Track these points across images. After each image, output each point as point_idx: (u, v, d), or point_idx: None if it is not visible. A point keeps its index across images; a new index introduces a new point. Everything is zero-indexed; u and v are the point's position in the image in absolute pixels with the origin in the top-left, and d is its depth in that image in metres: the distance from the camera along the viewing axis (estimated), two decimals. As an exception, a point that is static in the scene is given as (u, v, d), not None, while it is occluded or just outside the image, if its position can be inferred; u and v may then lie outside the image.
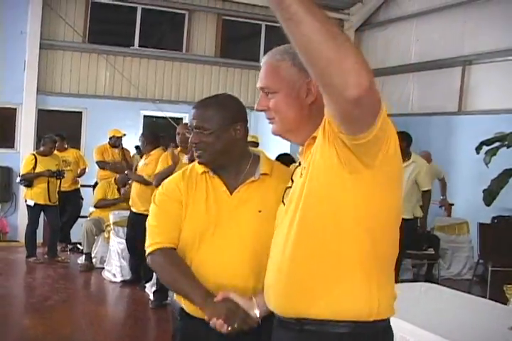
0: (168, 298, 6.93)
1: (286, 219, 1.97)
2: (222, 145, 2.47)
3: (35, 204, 8.93)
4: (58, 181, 9.07)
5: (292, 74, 2.00)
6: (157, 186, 6.99)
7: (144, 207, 7.48)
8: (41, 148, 9.11)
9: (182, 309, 2.58)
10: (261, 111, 2.08)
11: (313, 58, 1.49)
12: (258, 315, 2.26)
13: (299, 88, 1.99)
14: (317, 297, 1.87)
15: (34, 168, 8.89)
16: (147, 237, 2.55)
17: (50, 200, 8.95)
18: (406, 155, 7.62)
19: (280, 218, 2.05)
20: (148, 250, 2.53)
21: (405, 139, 7.66)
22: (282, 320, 1.99)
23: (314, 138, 1.89)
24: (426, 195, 7.90)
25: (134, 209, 7.65)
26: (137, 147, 9.96)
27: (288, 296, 1.95)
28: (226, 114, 2.47)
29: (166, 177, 6.96)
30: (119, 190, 9.01)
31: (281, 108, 2.02)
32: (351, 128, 1.64)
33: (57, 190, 9.14)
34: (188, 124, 2.60)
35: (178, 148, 6.99)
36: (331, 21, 1.47)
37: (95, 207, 9.13)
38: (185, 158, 6.70)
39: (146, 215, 7.15)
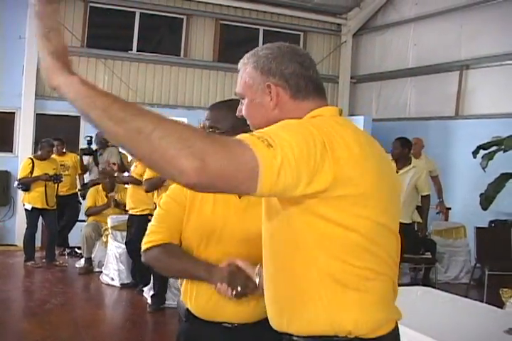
0: (167, 302, 6.96)
1: (264, 242, 1.99)
2: None
3: (33, 208, 8.95)
4: (56, 185, 9.09)
5: (255, 77, 1.91)
6: (148, 192, 7.04)
7: (138, 207, 7.52)
8: (38, 152, 9.13)
9: (188, 311, 2.59)
10: (240, 117, 2.02)
11: (131, 154, 1.48)
12: (258, 283, 2.25)
13: (262, 93, 1.89)
14: (292, 316, 1.88)
15: (31, 172, 8.91)
16: (145, 236, 2.57)
17: (47, 204, 8.96)
18: (407, 160, 7.66)
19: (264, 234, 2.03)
20: (143, 247, 2.54)
21: (406, 145, 7.71)
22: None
23: None
24: (425, 199, 7.93)
25: (130, 212, 7.69)
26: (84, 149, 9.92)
27: (272, 313, 1.98)
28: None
29: (158, 184, 6.91)
30: (107, 196, 9.03)
31: (248, 113, 1.96)
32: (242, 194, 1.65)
33: (55, 194, 9.16)
34: (201, 125, 2.63)
35: None
36: (131, 114, 1.42)
37: (86, 215, 9.19)
38: None
39: (141, 216, 7.15)
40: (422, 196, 7.79)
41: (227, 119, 2.49)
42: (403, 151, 7.68)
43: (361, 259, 1.79)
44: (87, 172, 10.08)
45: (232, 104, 2.55)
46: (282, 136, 1.55)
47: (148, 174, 6.95)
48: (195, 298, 2.52)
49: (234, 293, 2.25)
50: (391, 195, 1.88)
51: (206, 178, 1.41)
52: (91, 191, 9.26)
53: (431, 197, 8.69)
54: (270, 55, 1.90)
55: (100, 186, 9.12)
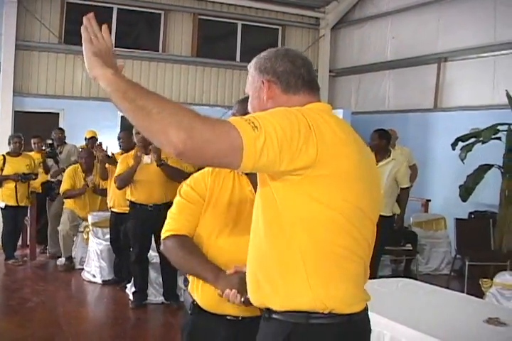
0: (149, 298, 6.96)
1: (253, 218, 2.17)
2: None
3: (6, 206, 8.89)
4: (27, 183, 9.00)
5: (255, 76, 2.16)
6: (120, 188, 7.01)
7: (120, 206, 7.48)
8: (10, 148, 9.01)
9: (193, 303, 2.63)
10: None
11: (137, 128, 1.82)
12: None
13: (259, 89, 2.14)
14: (273, 291, 2.04)
15: (2, 169, 8.84)
16: (165, 223, 2.66)
17: (17, 202, 8.88)
18: (386, 152, 7.67)
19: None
20: (163, 236, 2.63)
21: (384, 137, 7.71)
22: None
23: None
24: (405, 192, 7.94)
25: (114, 210, 7.65)
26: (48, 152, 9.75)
27: (254, 290, 2.14)
28: None
29: (128, 178, 6.87)
30: (85, 179, 8.76)
31: (251, 107, 2.20)
32: (229, 168, 1.93)
33: (28, 191, 9.08)
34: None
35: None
36: (142, 95, 1.77)
37: (64, 197, 8.92)
38: (145, 158, 6.73)
39: (125, 214, 7.00)
40: (401, 188, 7.81)
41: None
42: (381, 143, 7.68)
43: (342, 239, 1.97)
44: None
45: None
46: (269, 119, 1.80)
47: (118, 170, 6.94)
48: (201, 291, 2.57)
49: (243, 299, 2.30)
50: (370, 184, 2.06)
51: (190, 149, 1.68)
52: (68, 172, 8.84)
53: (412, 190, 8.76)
54: (267, 57, 2.17)
55: (79, 167, 8.80)
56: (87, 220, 8.43)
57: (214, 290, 2.43)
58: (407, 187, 7.89)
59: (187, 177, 7.17)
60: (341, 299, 1.99)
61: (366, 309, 2.12)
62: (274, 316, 2.05)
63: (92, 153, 8.71)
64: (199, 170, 2.79)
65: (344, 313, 2.00)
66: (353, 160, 1.95)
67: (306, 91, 2.13)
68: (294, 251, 1.96)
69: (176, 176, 6.65)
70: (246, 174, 2.58)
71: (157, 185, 6.72)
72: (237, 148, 1.72)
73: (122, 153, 7.56)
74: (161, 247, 2.66)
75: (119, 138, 8.05)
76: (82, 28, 2.05)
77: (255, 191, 2.47)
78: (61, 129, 10.29)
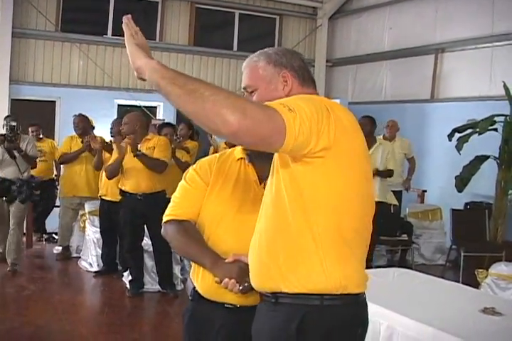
0: (145, 286, 6.99)
1: (263, 204, 2.23)
2: None
3: None
4: None
5: (268, 69, 2.27)
6: (109, 178, 7.04)
7: (113, 194, 7.49)
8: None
9: (194, 290, 2.65)
10: None
11: (187, 113, 1.83)
12: None
13: (276, 81, 2.25)
14: (285, 274, 2.08)
15: None
16: (168, 207, 2.67)
17: None
18: (373, 139, 7.78)
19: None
20: (164, 219, 2.65)
21: (374, 123, 7.84)
22: (262, 293, 2.21)
23: None
24: (388, 172, 8.04)
25: (106, 198, 7.65)
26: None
27: (262, 274, 2.17)
28: None
29: (115, 169, 6.89)
30: (82, 142, 8.59)
31: (263, 101, 2.13)
32: (271, 150, 1.92)
33: None
34: None
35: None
36: (191, 80, 1.82)
37: (60, 163, 8.89)
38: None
39: (118, 202, 6.98)
40: (386, 169, 7.92)
41: None
42: (372, 129, 7.79)
43: (354, 221, 2.08)
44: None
45: None
46: (297, 103, 1.89)
47: (110, 160, 7.00)
48: (201, 278, 2.58)
49: (241, 288, 2.33)
50: (370, 170, 2.21)
51: (245, 128, 1.73)
52: (65, 138, 8.84)
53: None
54: (280, 52, 2.30)
55: (76, 136, 8.67)
56: (91, 198, 8.46)
57: (213, 277, 2.44)
58: (391, 170, 8.02)
59: (165, 168, 7.10)
60: (352, 279, 2.09)
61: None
62: (283, 300, 2.09)
63: (85, 118, 8.70)
64: (196, 161, 2.80)
65: (353, 293, 2.09)
66: (362, 144, 2.11)
67: (312, 86, 2.30)
68: (310, 233, 2.03)
69: (153, 166, 6.68)
70: (253, 163, 2.59)
71: (144, 174, 6.72)
72: (282, 128, 1.79)
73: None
74: (162, 231, 2.67)
75: (111, 126, 8.09)
76: (124, 25, 2.12)
77: (260, 182, 2.54)
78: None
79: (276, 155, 2.14)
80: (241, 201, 2.54)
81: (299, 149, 1.89)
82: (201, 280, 2.59)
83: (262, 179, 2.53)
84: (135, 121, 6.85)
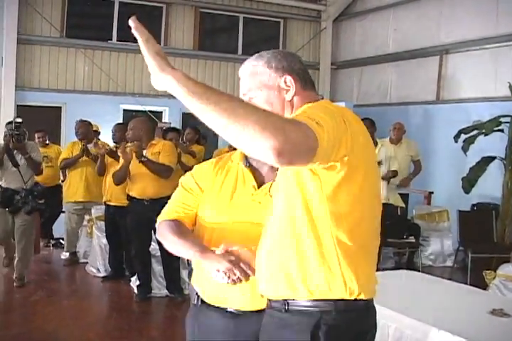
0: (153, 291, 6.99)
1: (272, 211, 2.21)
2: None
3: None
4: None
5: (268, 74, 2.22)
6: (116, 185, 7.04)
7: (117, 199, 7.49)
8: None
9: (197, 294, 2.64)
10: None
11: (223, 134, 1.67)
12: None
13: (278, 86, 2.20)
14: (296, 281, 2.07)
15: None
16: (162, 212, 2.69)
17: None
18: (374, 140, 7.80)
19: (269, 210, 2.25)
20: (157, 223, 2.67)
21: (374, 125, 7.88)
22: (271, 301, 2.20)
23: None
24: (392, 173, 8.05)
25: (111, 203, 7.65)
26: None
27: (273, 282, 2.16)
28: None
29: (123, 177, 6.83)
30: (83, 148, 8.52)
31: (265, 106, 2.15)
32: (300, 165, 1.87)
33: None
34: None
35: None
36: (224, 97, 1.66)
37: (61, 168, 8.87)
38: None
39: (123, 207, 6.94)
40: (390, 170, 7.93)
41: None
42: (373, 130, 7.83)
43: (370, 227, 2.12)
44: None
45: None
46: (320, 115, 1.85)
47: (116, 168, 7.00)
48: (202, 283, 2.58)
49: (230, 280, 2.33)
50: (378, 174, 2.28)
51: (288, 151, 1.63)
52: (68, 145, 8.84)
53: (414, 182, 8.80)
54: (279, 56, 2.25)
55: (78, 142, 8.56)
56: (94, 202, 8.47)
57: (215, 282, 2.42)
58: (395, 171, 8.05)
59: (170, 173, 7.08)
60: (365, 285, 2.10)
61: None
62: (295, 308, 2.09)
63: (85, 124, 8.64)
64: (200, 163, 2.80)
65: (365, 299, 2.10)
66: (372, 150, 2.16)
67: (313, 89, 2.27)
68: (330, 239, 2.03)
69: (159, 172, 6.68)
70: (251, 168, 2.57)
71: (150, 179, 6.72)
72: (316, 145, 1.74)
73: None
74: (156, 233, 2.67)
75: (113, 132, 8.11)
76: (134, 30, 1.92)
77: (258, 186, 2.52)
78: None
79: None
80: (240, 205, 2.52)
81: (325, 160, 1.89)
82: (203, 285, 2.58)
83: (260, 183, 2.53)
84: (140, 126, 6.85)
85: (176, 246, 2.54)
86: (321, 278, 2.04)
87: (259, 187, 2.53)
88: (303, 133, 1.70)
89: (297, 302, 2.09)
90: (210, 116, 1.64)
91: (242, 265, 2.32)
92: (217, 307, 2.54)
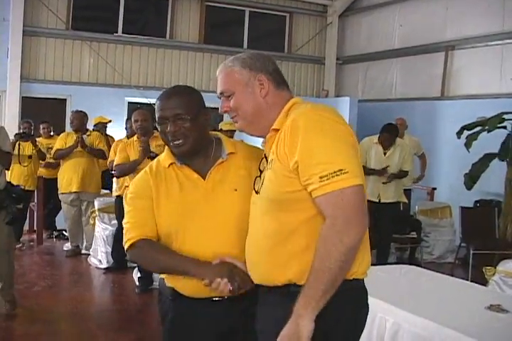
0: (154, 283, 7.00)
1: (259, 204, 2.29)
2: (201, 130, 2.52)
3: None
4: (32, 166, 8.93)
5: (244, 73, 2.34)
6: (118, 177, 7.01)
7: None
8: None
9: (173, 290, 2.60)
10: (225, 112, 2.40)
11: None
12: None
13: (253, 85, 2.33)
14: (294, 266, 2.18)
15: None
16: (123, 235, 2.59)
17: (24, 186, 8.60)
18: (394, 142, 7.80)
19: (253, 202, 2.35)
20: (125, 247, 2.57)
21: (395, 132, 7.87)
22: (270, 287, 2.26)
23: (274, 130, 2.26)
24: (404, 173, 8.04)
25: (117, 193, 7.61)
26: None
27: (271, 269, 2.24)
28: (198, 100, 2.57)
29: (128, 171, 6.76)
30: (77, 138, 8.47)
31: (241, 104, 2.35)
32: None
33: (34, 175, 9.04)
34: (159, 116, 2.52)
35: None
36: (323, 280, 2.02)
37: (54, 159, 8.86)
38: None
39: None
40: (401, 170, 7.90)
41: (192, 104, 2.52)
42: (390, 138, 7.79)
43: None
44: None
45: (186, 89, 2.64)
46: (341, 150, 2.09)
47: (118, 159, 6.85)
48: (184, 280, 2.52)
49: (232, 288, 2.34)
50: None
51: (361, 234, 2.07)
52: (61, 135, 8.79)
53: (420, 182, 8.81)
54: (254, 57, 2.38)
55: (73, 131, 8.56)
56: (87, 192, 8.53)
57: (195, 281, 2.42)
58: (407, 172, 8.02)
59: None
60: (364, 265, 2.24)
61: None
62: (292, 290, 2.16)
63: (80, 115, 8.63)
64: None
65: (360, 278, 2.25)
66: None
67: (286, 89, 2.40)
68: (312, 226, 2.14)
69: None
70: (185, 164, 2.55)
71: None
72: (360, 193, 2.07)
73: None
74: (128, 258, 2.63)
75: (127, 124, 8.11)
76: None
77: (202, 177, 2.52)
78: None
79: (277, 161, 2.20)
80: (194, 202, 2.50)
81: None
82: (184, 282, 2.53)
83: (203, 174, 2.52)
84: (150, 117, 6.75)
85: (163, 266, 2.53)
86: (310, 263, 2.11)
87: (204, 178, 2.51)
88: (359, 222, 2.04)
89: (296, 285, 2.16)
90: (338, 272, 2.03)
91: (241, 273, 2.37)
92: (200, 298, 2.52)
